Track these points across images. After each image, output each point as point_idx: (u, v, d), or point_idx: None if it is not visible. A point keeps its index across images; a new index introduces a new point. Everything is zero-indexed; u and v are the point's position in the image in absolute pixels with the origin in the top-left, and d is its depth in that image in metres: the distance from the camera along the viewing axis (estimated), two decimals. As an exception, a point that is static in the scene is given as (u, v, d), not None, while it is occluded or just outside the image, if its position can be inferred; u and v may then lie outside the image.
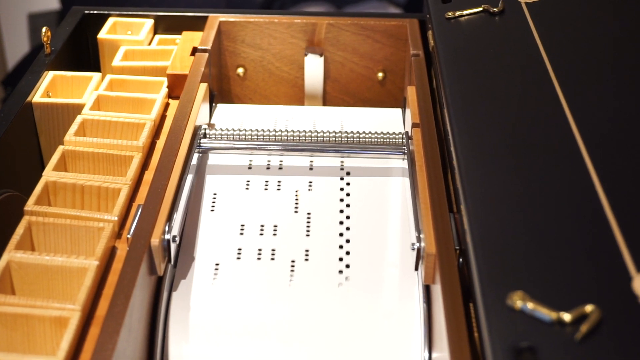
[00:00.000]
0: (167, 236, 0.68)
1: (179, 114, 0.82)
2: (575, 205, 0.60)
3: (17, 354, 0.57)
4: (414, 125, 0.80)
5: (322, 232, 0.76)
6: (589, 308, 0.51)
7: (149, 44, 1.01)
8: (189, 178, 0.79)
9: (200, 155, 0.84)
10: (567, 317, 0.50)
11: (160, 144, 0.81)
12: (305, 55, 1.01)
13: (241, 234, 0.76)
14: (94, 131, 0.81)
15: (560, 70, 0.76)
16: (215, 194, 0.80)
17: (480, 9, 0.87)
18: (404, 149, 0.82)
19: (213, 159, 0.83)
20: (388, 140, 0.83)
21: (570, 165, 0.64)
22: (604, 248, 0.56)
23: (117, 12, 1.03)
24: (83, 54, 1.03)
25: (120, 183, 0.73)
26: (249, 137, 0.83)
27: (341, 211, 0.78)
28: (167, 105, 0.88)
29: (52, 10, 2.21)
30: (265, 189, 0.80)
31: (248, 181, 0.81)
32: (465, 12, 0.87)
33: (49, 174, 0.73)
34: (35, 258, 0.64)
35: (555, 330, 0.50)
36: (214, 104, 0.94)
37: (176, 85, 0.89)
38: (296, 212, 0.78)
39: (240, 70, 1.03)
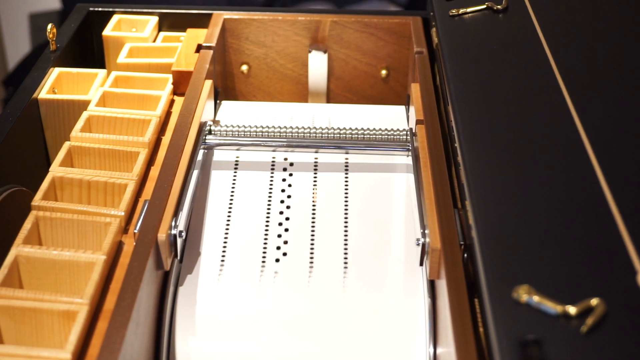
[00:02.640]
0: (173, 231, 0.68)
1: (184, 111, 0.82)
2: (580, 199, 0.60)
3: (25, 347, 0.57)
4: (418, 122, 0.81)
5: (327, 227, 0.76)
6: (594, 301, 0.51)
7: (154, 41, 1.02)
8: (195, 174, 0.79)
9: (206, 151, 0.84)
10: (572, 310, 0.51)
11: (165, 140, 0.81)
12: (309, 52, 1.01)
13: (246, 229, 0.76)
14: (100, 127, 0.81)
15: (564, 67, 0.76)
16: (220, 189, 0.80)
17: (484, 6, 0.87)
18: (408, 146, 0.82)
19: (218, 155, 0.84)
20: (392, 136, 0.83)
21: (574, 160, 0.64)
22: (609, 242, 0.56)
23: (122, 10, 1.03)
24: (88, 50, 1.03)
25: (127, 179, 0.73)
26: (254, 133, 0.83)
27: (346, 207, 0.78)
28: (172, 101, 0.88)
29: (53, 10, 2.21)
30: (270, 185, 0.80)
31: (253, 177, 0.81)
32: (469, 10, 0.88)
33: (55, 170, 0.73)
34: (43, 252, 0.64)
35: (560, 324, 0.50)
36: (218, 101, 0.94)
37: (181, 82, 0.90)
38: (301, 208, 0.78)
39: (244, 68, 1.03)
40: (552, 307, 0.51)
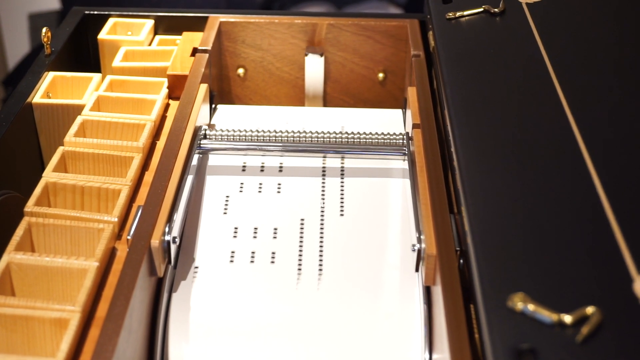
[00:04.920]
0: (167, 237, 0.68)
1: (179, 115, 0.82)
2: (576, 206, 0.60)
3: (16, 355, 0.57)
4: (414, 126, 0.80)
5: (322, 233, 0.75)
6: (589, 310, 0.51)
7: (149, 44, 1.01)
8: (189, 179, 0.79)
9: (201, 156, 0.83)
10: (568, 318, 0.50)
11: (160, 144, 0.81)
12: (306, 55, 1.01)
13: (241, 235, 0.75)
14: (94, 132, 0.80)
15: (561, 70, 0.76)
16: (215, 195, 0.79)
17: (481, 9, 0.87)
18: (405, 150, 0.82)
19: (213, 160, 0.83)
20: (388, 141, 0.83)
21: (571, 165, 0.64)
22: (604, 250, 0.55)
23: (118, 13, 1.03)
24: (83, 54, 1.02)
25: (120, 184, 0.72)
26: (249, 138, 0.83)
27: (341, 212, 0.78)
28: (167, 106, 0.88)
29: (53, 10, 2.21)
30: (266, 190, 0.80)
31: (248, 182, 0.81)
32: (466, 13, 0.87)
33: (49, 175, 0.73)
34: (35, 259, 0.64)
35: (556, 332, 0.50)
36: (214, 105, 0.94)
37: (176, 86, 0.89)
38: (296, 212, 0.77)
39: (240, 71, 1.03)
40: (547, 315, 0.51)
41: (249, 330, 0.68)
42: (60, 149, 0.76)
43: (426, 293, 0.68)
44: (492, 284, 0.54)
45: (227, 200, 0.79)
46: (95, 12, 1.02)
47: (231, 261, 0.73)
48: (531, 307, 0.51)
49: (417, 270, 0.70)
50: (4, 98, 1.98)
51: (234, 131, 0.83)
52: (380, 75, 1.02)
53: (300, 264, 0.73)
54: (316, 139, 0.83)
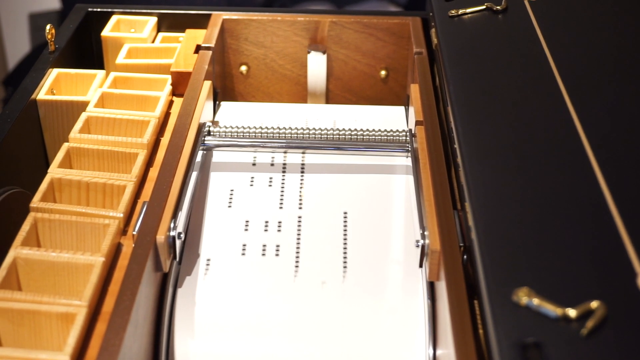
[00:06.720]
0: (172, 233, 0.68)
1: (183, 112, 0.82)
2: (580, 201, 0.60)
3: (24, 349, 0.57)
4: (417, 123, 0.81)
5: (326, 229, 0.76)
6: (594, 304, 0.51)
7: (153, 41, 1.01)
8: (194, 175, 0.79)
9: (205, 152, 0.84)
10: (572, 313, 0.51)
11: (164, 141, 0.81)
12: (308, 53, 1.01)
13: (245, 230, 0.76)
14: (99, 128, 0.81)
15: (563, 68, 0.76)
16: (219, 191, 0.80)
17: (484, 7, 0.87)
18: (408, 147, 0.82)
19: (217, 156, 0.84)
20: (391, 137, 0.83)
21: (574, 161, 0.64)
22: (609, 244, 0.56)
23: (121, 10, 1.03)
24: (87, 51, 1.03)
25: (125, 180, 0.73)
26: (253, 134, 0.83)
27: (345, 208, 0.78)
28: (171, 102, 0.88)
29: (53, 10, 2.21)
30: (269, 186, 0.80)
31: (252, 178, 0.81)
32: (468, 10, 0.87)
33: (54, 171, 0.73)
34: (42, 254, 0.64)
35: (560, 326, 0.50)
36: (217, 102, 0.94)
37: (180, 83, 0.89)
38: (300, 209, 0.78)
39: (243, 68, 1.03)
40: (552, 309, 0.51)
41: (253, 325, 0.69)
42: (65, 145, 0.76)
43: (430, 288, 0.68)
44: (496, 279, 0.54)
45: (231, 196, 0.79)
46: (99, 10, 1.03)
47: (235, 256, 0.73)
48: (536, 301, 0.51)
49: (420, 265, 0.70)
50: (4, 98, 1.98)
51: (238, 128, 0.84)
52: (383, 72, 1.03)
53: (304, 260, 0.73)
54: (319, 136, 0.83)
